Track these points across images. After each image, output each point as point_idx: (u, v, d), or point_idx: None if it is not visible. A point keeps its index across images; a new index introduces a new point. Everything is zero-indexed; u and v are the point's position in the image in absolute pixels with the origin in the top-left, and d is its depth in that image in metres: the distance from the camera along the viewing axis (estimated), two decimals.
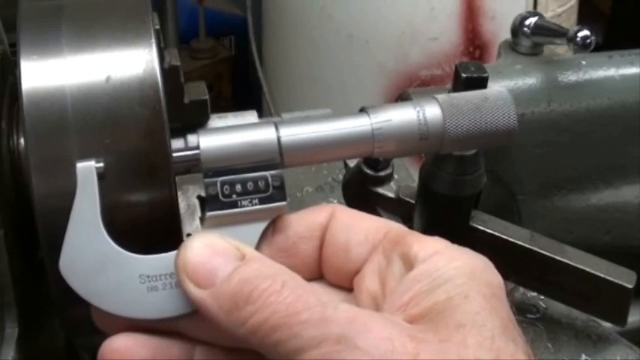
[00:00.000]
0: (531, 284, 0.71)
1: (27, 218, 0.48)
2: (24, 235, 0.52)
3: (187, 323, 0.45)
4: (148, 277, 0.44)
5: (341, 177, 0.82)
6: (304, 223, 0.47)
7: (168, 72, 0.50)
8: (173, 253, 0.44)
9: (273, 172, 0.45)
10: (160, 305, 0.44)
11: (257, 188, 0.45)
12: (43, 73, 0.46)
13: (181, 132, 0.55)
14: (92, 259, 0.43)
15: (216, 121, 0.56)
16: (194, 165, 0.46)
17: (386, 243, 0.46)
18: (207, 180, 0.45)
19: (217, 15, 2.23)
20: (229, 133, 0.45)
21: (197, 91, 0.55)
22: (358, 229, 0.47)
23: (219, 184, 0.45)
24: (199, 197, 0.62)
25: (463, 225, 0.66)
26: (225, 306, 0.41)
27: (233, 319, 0.41)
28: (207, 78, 2.09)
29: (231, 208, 0.45)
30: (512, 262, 0.66)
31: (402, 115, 0.47)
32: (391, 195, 0.69)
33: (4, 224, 0.51)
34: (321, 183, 0.92)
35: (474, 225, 0.66)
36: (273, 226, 0.46)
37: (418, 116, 0.47)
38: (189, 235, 0.58)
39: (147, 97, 0.46)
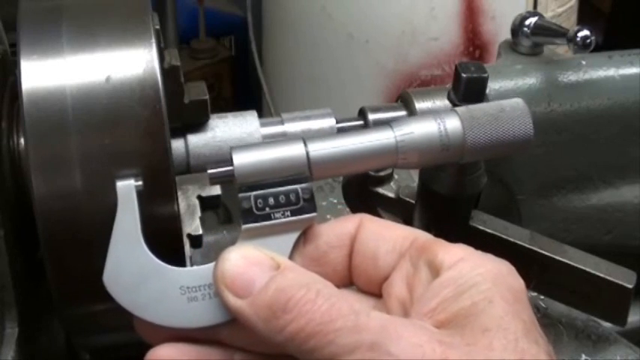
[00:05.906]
0: (531, 284, 0.71)
1: (27, 218, 0.48)
2: (24, 235, 0.52)
3: (226, 331, 0.46)
4: (188, 288, 0.46)
5: (341, 177, 0.82)
6: (334, 232, 0.49)
7: (168, 72, 0.50)
8: (211, 264, 0.45)
9: (303, 185, 0.47)
10: (200, 315, 0.46)
11: (288, 201, 0.46)
12: (43, 73, 0.46)
13: (181, 132, 0.55)
14: (135, 272, 0.45)
15: (216, 121, 0.56)
16: (228, 181, 0.47)
17: (413, 251, 0.47)
18: (241, 195, 0.46)
19: (217, 15, 2.23)
20: (261, 150, 0.47)
21: (197, 91, 0.55)
22: (386, 238, 0.48)
23: (252, 198, 0.46)
24: (199, 197, 0.62)
25: (463, 225, 0.66)
26: (263, 314, 0.42)
27: (271, 327, 0.42)
28: (207, 78, 2.09)
29: (265, 220, 0.46)
30: (512, 262, 0.66)
31: (424, 128, 0.49)
32: (391, 195, 0.69)
33: (4, 224, 0.51)
34: (321, 183, 0.91)
35: (474, 225, 0.66)
36: (304, 236, 0.48)
37: (439, 128, 0.49)
38: (189, 235, 0.58)
39: (147, 97, 0.46)
